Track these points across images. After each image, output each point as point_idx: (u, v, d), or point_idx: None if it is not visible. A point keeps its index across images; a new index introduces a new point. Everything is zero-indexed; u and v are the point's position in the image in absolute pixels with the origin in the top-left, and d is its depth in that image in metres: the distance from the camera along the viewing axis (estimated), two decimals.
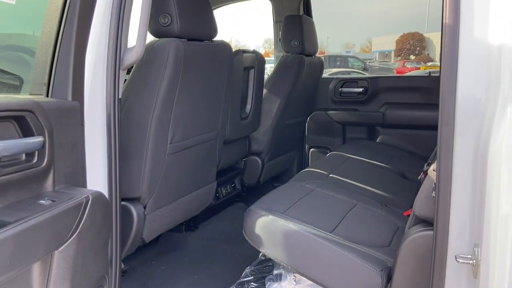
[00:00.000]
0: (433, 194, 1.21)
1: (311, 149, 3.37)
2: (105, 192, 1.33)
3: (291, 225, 1.58)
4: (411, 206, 1.94)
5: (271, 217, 1.64)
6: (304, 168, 2.54)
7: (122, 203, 1.68)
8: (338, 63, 17.65)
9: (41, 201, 1.05)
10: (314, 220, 1.64)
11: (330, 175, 2.25)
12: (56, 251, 1.04)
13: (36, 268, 1.03)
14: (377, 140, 3.17)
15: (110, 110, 1.32)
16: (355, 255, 1.45)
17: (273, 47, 3.59)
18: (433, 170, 1.25)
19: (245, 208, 1.79)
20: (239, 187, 2.86)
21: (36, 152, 1.06)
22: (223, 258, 2.24)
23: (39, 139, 1.05)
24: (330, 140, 3.29)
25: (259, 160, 2.86)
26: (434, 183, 1.19)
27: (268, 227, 1.63)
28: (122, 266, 1.95)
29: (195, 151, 2.00)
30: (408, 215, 1.87)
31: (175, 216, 2.02)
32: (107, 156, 1.33)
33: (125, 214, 1.72)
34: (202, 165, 2.12)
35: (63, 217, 1.04)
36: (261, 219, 1.65)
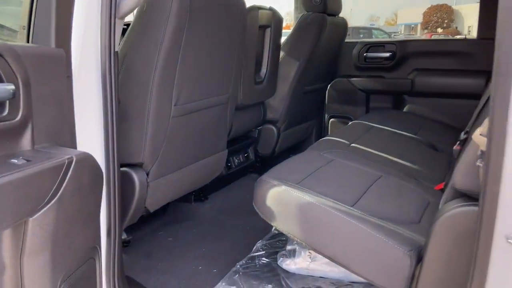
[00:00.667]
0: (478, 163, 1.01)
1: (331, 119, 3.17)
2: (101, 155, 1.20)
3: (306, 197, 1.41)
4: (442, 180, 1.74)
5: (284, 187, 1.47)
6: None
7: (123, 168, 1.55)
8: (362, 36, 17.09)
9: (12, 160, 0.90)
10: (333, 192, 1.46)
11: (352, 145, 2.06)
12: (30, 218, 0.90)
13: (6, 237, 0.89)
14: (404, 110, 2.94)
15: (105, 64, 1.17)
16: (379, 232, 1.27)
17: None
18: (480, 135, 1.05)
19: None
20: (253, 157, 2.70)
21: (7, 102, 0.91)
22: (233, 231, 2.11)
23: (10, 86, 0.90)
24: (352, 109, 3.07)
25: (275, 129, 2.68)
26: (481, 150, 0.99)
27: (281, 198, 1.47)
28: (124, 236, 1.84)
29: (203, 116, 1.83)
30: (440, 190, 1.67)
31: (181, 185, 1.88)
32: (103, 115, 1.19)
33: (126, 181, 1.58)
34: (211, 131, 1.95)
35: (38, 180, 0.90)
36: (273, 189, 1.49)
